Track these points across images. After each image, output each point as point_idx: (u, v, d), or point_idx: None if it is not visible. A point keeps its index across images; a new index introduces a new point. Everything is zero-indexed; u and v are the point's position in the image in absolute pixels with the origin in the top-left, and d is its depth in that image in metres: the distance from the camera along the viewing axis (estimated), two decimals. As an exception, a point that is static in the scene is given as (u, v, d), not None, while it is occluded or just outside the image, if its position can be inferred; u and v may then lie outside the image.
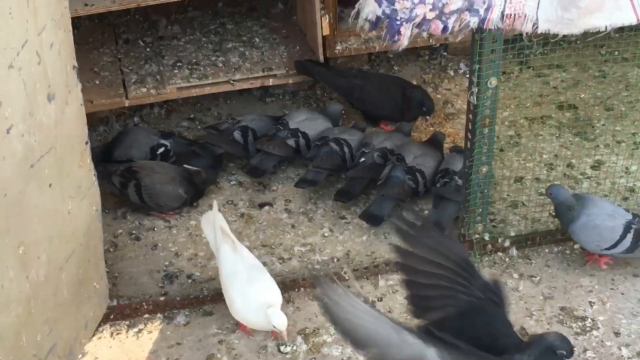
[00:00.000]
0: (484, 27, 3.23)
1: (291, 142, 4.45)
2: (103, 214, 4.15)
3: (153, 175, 4.19)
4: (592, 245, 3.83)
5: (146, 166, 4.25)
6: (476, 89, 3.59)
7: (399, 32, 3.21)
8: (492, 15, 3.19)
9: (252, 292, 3.54)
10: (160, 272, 3.98)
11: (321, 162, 4.29)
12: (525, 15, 3.22)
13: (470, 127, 3.71)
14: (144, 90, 4.60)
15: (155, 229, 4.21)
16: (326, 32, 4.67)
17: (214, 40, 4.93)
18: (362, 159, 4.31)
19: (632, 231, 3.76)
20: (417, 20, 3.18)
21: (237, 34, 5.00)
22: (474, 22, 3.20)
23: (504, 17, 3.21)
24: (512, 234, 4.02)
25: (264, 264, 3.97)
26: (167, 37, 4.98)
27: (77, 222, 3.29)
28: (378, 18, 3.19)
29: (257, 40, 4.94)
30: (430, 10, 3.16)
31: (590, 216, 3.78)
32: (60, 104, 3.05)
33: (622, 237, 3.76)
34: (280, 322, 3.47)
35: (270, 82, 4.70)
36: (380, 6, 3.15)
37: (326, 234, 4.16)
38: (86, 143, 3.30)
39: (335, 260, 4.02)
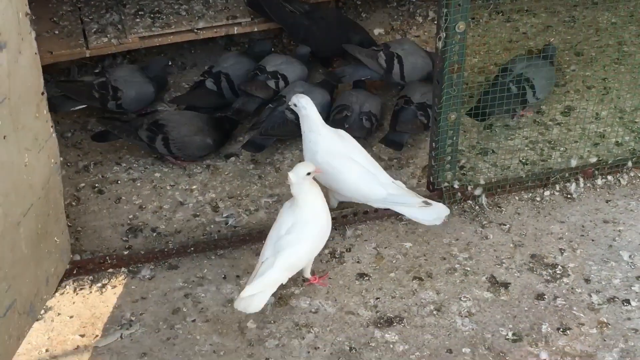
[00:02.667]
0: None
1: (271, 83, 4.38)
2: (65, 167, 4.10)
3: (181, 128, 4.13)
4: None
5: (173, 118, 4.19)
6: (444, 34, 3.50)
7: None
8: None
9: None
10: (124, 226, 3.90)
11: (271, 129, 4.18)
12: None
13: (437, 73, 3.63)
14: (105, 40, 4.48)
15: (119, 182, 4.12)
16: (290, -24, 4.56)
17: (177, -12, 4.81)
18: (346, 125, 4.15)
19: None
20: None
21: (201, -19, 4.87)
22: None
23: None
24: (482, 181, 3.96)
25: (230, 215, 3.91)
26: (129, -15, 4.85)
27: (35, 175, 3.19)
28: None
29: (221, -13, 4.82)
30: None
31: None
32: (12, 52, 2.94)
33: None
34: None
35: (235, 30, 4.60)
36: None
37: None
38: (42, 94, 3.19)
39: (302, 211, 3.95)
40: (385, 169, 4.06)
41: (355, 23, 4.81)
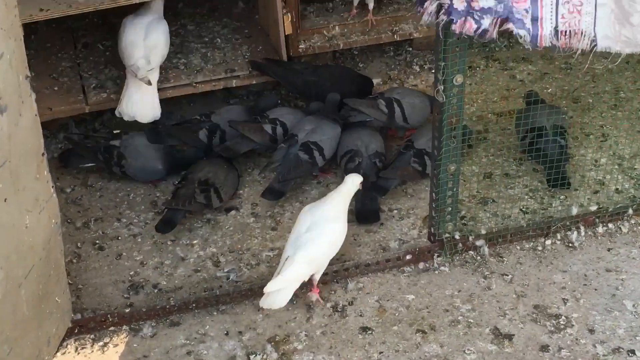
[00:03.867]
0: (538, 44, 3.09)
1: (268, 128, 4.37)
2: (65, 224, 4.09)
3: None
4: None
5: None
6: (442, 87, 3.52)
7: (422, 3, 3.11)
8: (543, 31, 3.06)
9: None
10: (125, 283, 3.89)
11: (288, 173, 4.19)
12: (582, 32, 3.08)
13: (436, 125, 3.64)
14: (104, 95, 4.50)
15: (120, 238, 4.11)
16: (288, 31, 4.59)
17: (175, 42, 4.82)
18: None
19: None
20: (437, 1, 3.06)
21: (199, 35, 4.90)
22: (523, 35, 3.05)
23: (559, 34, 3.09)
24: (483, 231, 3.95)
25: (232, 270, 3.90)
26: (127, 40, 4.86)
27: (36, 237, 3.19)
28: None
29: (219, 41, 4.85)
30: None
31: None
32: (13, 115, 2.94)
33: None
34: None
35: (234, 83, 4.61)
36: None
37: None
38: (43, 154, 3.19)
39: (304, 264, 3.94)
40: (385, 220, 4.08)
41: (360, 74, 4.85)
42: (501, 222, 4.07)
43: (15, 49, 2.92)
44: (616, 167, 4.34)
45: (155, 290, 3.84)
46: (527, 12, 3.04)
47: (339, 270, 3.85)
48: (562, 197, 4.19)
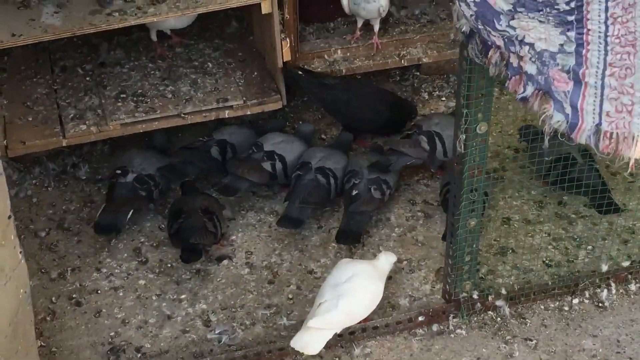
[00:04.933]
0: (574, 137, 2.64)
1: (267, 165, 4.00)
2: (38, 275, 3.73)
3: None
4: None
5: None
6: (464, 136, 3.11)
7: (486, 53, 2.73)
8: (583, 124, 2.61)
9: None
10: (105, 345, 3.48)
11: (308, 196, 3.82)
12: (633, 137, 2.59)
13: (456, 177, 3.24)
14: (84, 127, 4.07)
15: (99, 292, 3.70)
16: (287, 57, 4.17)
17: (162, 67, 4.40)
18: (355, 192, 3.88)
19: None
20: (499, 50, 2.70)
21: (188, 58, 4.47)
22: (559, 121, 2.62)
23: (601, 134, 2.62)
24: (504, 291, 3.55)
25: (224, 331, 3.50)
26: (109, 64, 4.43)
27: (1, 312, 2.77)
28: (472, 31, 2.74)
29: (209, 65, 4.42)
30: (504, 46, 2.68)
31: None
32: (-28, 179, 2.53)
33: None
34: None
35: (226, 114, 4.19)
36: (470, 19, 2.70)
37: (293, 293, 3.68)
38: (9, 217, 2.77)
39: (304, 324, 3.54)
40: (393, 273, 3.69)
41: (400, 99, 4.51)
42: (522, 276, 3.68)
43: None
44: (647, 212, 3.95)
45: (138, 355, 3.44)
46: (566, 96, 2.61)
47: (344, 335, 3.45)
48: (589, 247, 3.80)
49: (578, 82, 2.59)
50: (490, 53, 2.72)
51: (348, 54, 4.44)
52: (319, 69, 4.37)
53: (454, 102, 4.58)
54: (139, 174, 3.98)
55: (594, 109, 2.58)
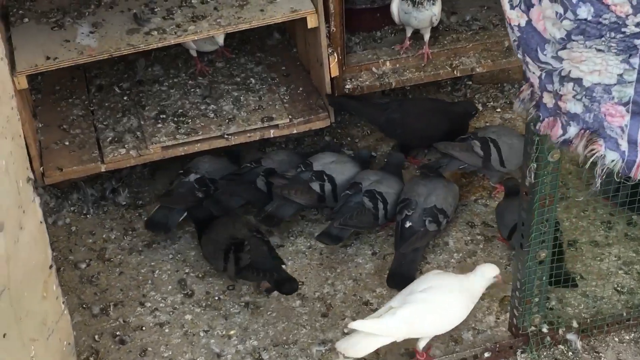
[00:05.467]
0: (633, 175, 2.42)
1: (315, 186, 3.79)
2: (79, 310, 3.54)
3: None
4: None
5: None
6: (534, 165, 2.88)
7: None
8: None
9: None
10: (153, 388, 3.29)
11: (350, 219, 3.63)
12: None
13: (525, 208, 3.01)
14: (123, 151, 3.87)
15: (144, 328, 3.51)
16: (335, 73, 3.95)
17: (203, 84, 4.19)
18: (408, 224, 3.64)
19: None
20: (531, 89, 2.48)
21: (229, 73, 4.26)
22: (612, 159, 2.39)
23: None
24: (575, 323, 3.32)
25: (277, 371, 3.30)
26: (147, 82, 4.23)
27: (44, 368, 2.59)
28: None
29: (252, 81, 4.20)
30: (539, 84, 2.44)
31: None
32: (12, 232, 2.34)
33: None
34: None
35: (272, 133, 3.99)
36: (513, 44, 2.48)
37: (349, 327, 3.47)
38: (50, 267, 2.59)
39: (362, 362, 3.33)
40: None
41: (454, 104, 4.31)
42: (592, 305, 3.44)
43: (12, 151, 2.31)
44: None
45: (190, 398, 3.25)
46: (622, 131, 2.36)
47: (406, 371, 3.24)
48: (662, 271, 3.56)
49: (637, 113, 2.34)
50: (522, 88, 2.50)
51: (397, 65, 4.21)
52: (367, 82, 4.15)
53: (509, 113, 4.36)
54: (202, 176, 3.84)
55: None
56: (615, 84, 2.34)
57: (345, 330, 3.39)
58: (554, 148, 2.84)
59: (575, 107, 2.39)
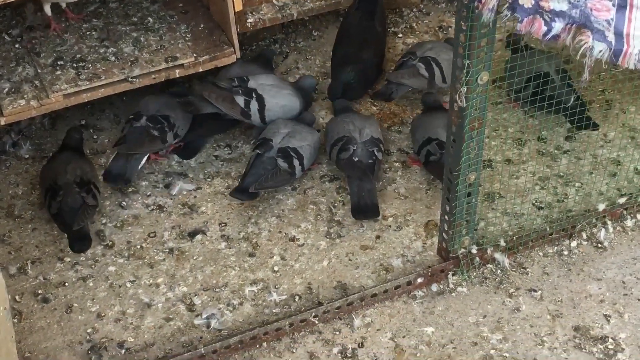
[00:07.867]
0: (620, 63, 2.46)
1: (240, 100, 3.75)
2: (-4, 271, 3.34)
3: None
4: None
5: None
6: (464, 88, 2.87)
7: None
8: (629, 48, 2.40)
9: None
10: (83, 344, 3.19)
11: (265, 181, 3.53)
12: None
13: (455, 131, 3.01)
14: (22, 102, 3.67)
15: (66, 284, 3.38)
16: (239, 7, 3.85)
17: (98, 26, 4.01)
18: (356, 159, 3.63)
19: None
20: None
21: (125, 13, 4.08)
22: (600, 50, 2.42)
23: None
24: (502, 242, 3.37)
25: (211, 315, 3.24)
26: (39, 27, 4.01)
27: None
28: None
29: (150, 20, 4.04)
30: None
31: None
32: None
33: None
34: None
35: (177, 73, 3.85)
36: None
37: (278, 265, 3.43)
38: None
39: (296, 298, 3.31)
40: (380, 231, 3.48)
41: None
42: (514, 221, 3.50)
43: None
44: (629, 140, 3.80)
45: (122, 351, 3.16)
46: (609, 24, 2.39)
47: (342, 306, 3.23)
48: (577, 184, 3.65)
49: (622, 7, 2.38)
50: None
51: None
52: (269, 15, 4.06)
53: (411, 38, 4.36)
54: (153, 115, 3.77)
55: None
56: None
57: (276, 268, 3.36)
58: (483, 71, 2.84)
59: (560, 5, 2.41)
